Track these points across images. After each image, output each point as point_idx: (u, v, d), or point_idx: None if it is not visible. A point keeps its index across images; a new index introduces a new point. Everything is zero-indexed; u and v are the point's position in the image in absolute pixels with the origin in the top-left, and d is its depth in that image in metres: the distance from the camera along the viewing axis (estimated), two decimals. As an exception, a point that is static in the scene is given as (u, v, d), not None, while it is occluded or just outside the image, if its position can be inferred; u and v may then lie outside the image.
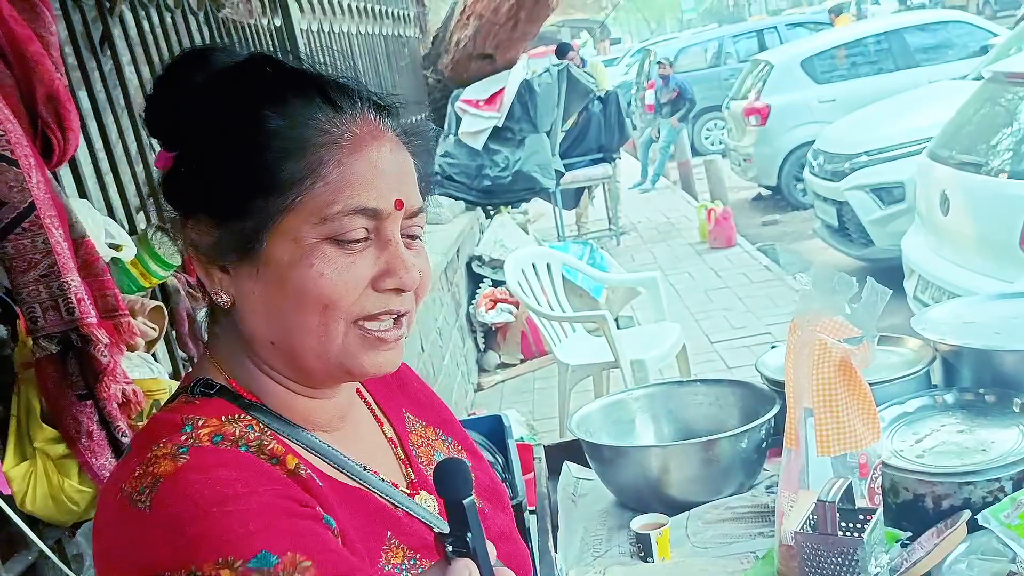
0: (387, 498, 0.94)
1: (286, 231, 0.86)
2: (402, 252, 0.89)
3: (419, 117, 7.03)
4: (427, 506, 0.99)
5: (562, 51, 8.36)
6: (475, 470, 1.11)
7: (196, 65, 0.91)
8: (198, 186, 0.89)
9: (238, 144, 0.86)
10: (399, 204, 0.89)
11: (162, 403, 1.65)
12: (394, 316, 0.90)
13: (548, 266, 4.70)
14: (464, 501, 0.78)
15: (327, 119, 0.88)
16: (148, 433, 0.86)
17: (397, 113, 0.95)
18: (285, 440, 0.90)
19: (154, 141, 0.93)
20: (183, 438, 0.82)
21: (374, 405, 1.08)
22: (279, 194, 0.85)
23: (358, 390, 1.06)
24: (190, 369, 1.04)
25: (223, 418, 0.87)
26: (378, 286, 0.88)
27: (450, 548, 0.77)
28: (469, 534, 0.77)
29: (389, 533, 0.90)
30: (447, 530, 0.79)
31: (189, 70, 0.91)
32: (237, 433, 0.84)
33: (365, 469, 0.95)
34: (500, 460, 2.12)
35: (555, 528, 1.77)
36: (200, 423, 0.85)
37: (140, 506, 0.77)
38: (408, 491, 0.99)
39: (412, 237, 0.93)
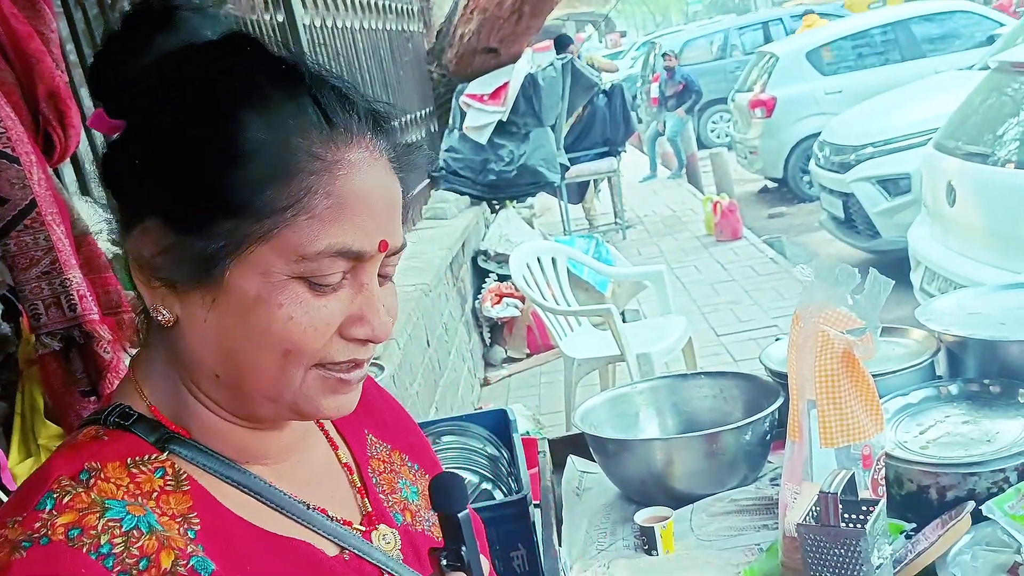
0: (333, 539, 0.85)
1: (256, 262, 0.74)
2: (377, 299, 0.79)
3: (420, 113, 7.02)
4: (386, 542, 0.89)
5: (562, 44, 8.27)
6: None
7: (159, 23, 0.80)
8: (152, 183, 0.76)
9: (209, 150, 0.74)
10: (383, 246, 0.78)
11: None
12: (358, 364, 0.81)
13: (553, 260, 4.69)
14: (459, 515, 0.77)
15: (320, 139, 0.75)
16: (36, 479, 0.75)
17: (392, 128, 0.83)
18: (207, 480, 0.79)
19: None
20: (37, 524, 0.69)
21: (329, 425, 0.97)
22: (254, 220, 0.73)
23: None
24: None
25: (128, 461, 0.76)
26: (346, 333, 0.78)
27: (444, 562, 0.77)
28: (463, 548, 0.76)
29: None
30: (438, 555, 0.78)
31: (150, 27, 0.80)
32: (100, 527, 0.70)
33: (309, 508, 0.85)
34: (505, 455, 2.12)
35: (559, 522, 1.78)
36: (87, 481, 0.73)
37: None
38: (363, 527, 0.89)
39: (385, 276, 0.82)
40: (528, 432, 3.72)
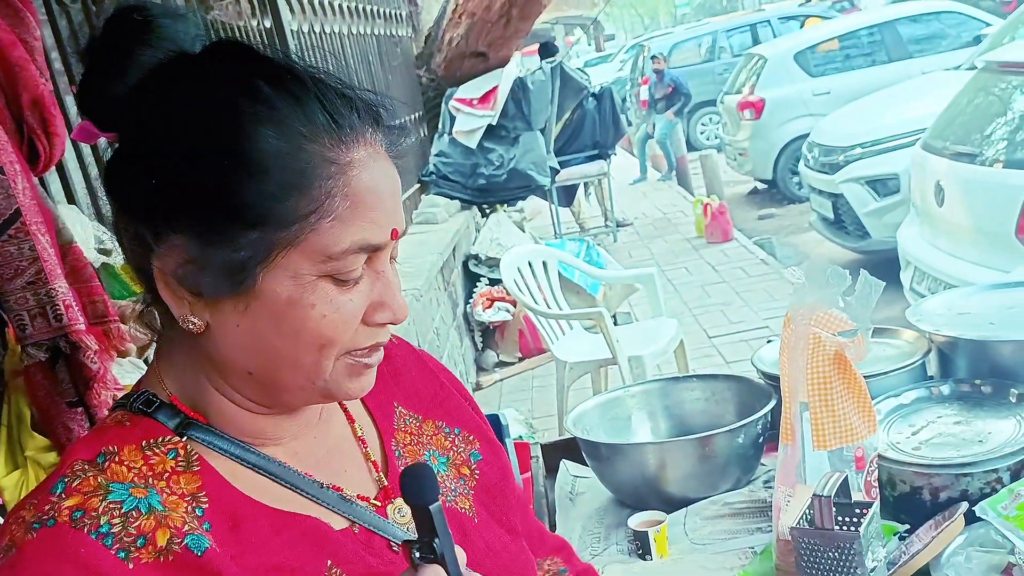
0: (344, 515, 0.88)
1: (285, 267, 0.78)
2: (393, 284, 0.84)
3: (410, 118, 7.01)
4: (401, 515, 0.92)
5: (548, 51, 8.14)
6: (484, 465, 1.04)
7: (139, 32, 0.81)
8: (173, 202, 0.78)
9: (227, 165, 0.76)
10: (395, 234, 0.83)
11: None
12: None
13: (544, 264, 4.69)
14: (431, 507, 0.76)
15: (331, 142, 0.79)
16: (61, 463, 0.80)
17: (385, 119, 0.87)
18: (220, 463, 0.84)
19: None
20: (47, 507, 0.75)
21: (351, 401, 0.99)
22: (279, 228, 0.77)
23: None
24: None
25: (143, 444, 0.81)
26: (369, 320, 0.83)
27: (417, 554, 0.77)
28: (436, 540, 0.76)
29: (329, 562, 0.84)
30: (411, 547, 0.78)
31: (130, 37, 0.81)
32: (101, 509, 0.75)
33: (323, 486, 0.88)
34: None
35: (553, 527, 1.77)
36: (102, 464, 0.78)
37: None
38: (379, 501, 0.92)
39: (393, 259, 0.87)
40: (521, 437, 3.72)
